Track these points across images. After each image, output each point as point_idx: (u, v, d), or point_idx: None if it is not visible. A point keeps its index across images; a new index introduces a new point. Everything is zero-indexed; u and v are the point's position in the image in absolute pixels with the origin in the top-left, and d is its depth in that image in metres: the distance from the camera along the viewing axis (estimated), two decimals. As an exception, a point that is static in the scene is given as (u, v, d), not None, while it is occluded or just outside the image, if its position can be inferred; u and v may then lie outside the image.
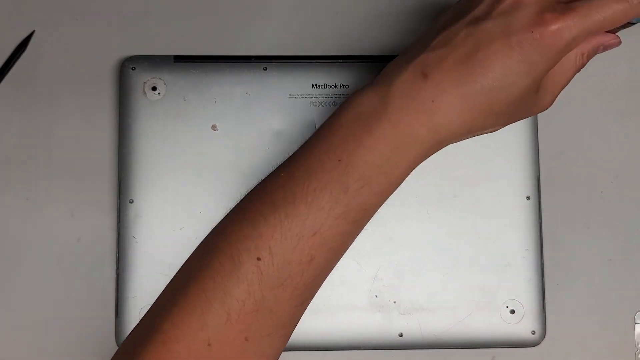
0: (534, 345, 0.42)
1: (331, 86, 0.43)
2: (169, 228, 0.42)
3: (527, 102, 0.32)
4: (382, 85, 0.32)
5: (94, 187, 0.44)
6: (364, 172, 0.31)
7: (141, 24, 0.45)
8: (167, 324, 0.30)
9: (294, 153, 0.33)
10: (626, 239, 0.45)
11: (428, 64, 0.31)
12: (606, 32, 0.33)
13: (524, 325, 0.42)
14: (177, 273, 0.33)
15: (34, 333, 0.43)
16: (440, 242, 0.42)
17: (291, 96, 0.43)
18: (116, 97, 0.44)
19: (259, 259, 0.30)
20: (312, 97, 0.43)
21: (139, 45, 0.45)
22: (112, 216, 0.44)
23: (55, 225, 0.44)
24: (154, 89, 0.43)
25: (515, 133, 0.43)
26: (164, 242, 0.42)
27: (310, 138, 0.33)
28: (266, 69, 0.43)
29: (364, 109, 0.32)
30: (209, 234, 0.34)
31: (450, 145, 0.43)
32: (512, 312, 0.42)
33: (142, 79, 0.43)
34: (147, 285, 0.42)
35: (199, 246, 0.34)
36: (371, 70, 0.44)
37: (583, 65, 0.33)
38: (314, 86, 0.43)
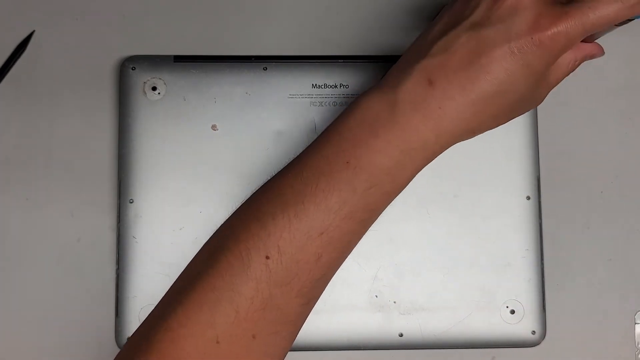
0: (534, 345, 0.42)
1: (331, 86, 0.43)
2: (169, 228, 0.42)
3: (526, 101, 0.34)
4: (388, 91, 0.33)
5: (94, 187, 0.44)
6: (372, 174, 0.32)
7: (141, 24, 0.45)
8: (174, 322, 0.30)
9: (299, 155, 0.34)
10: (626, 239, 0.45)
11: (432, 71, 0.32)
12: (600, 33, 0.34)
13: (524, 325, 0.42)
14: (181, 273, 0.33)
15: (34, 333, 0.43)
16: (440, 242, 0.42)
17: (291, 96, 0.43)
18: (116, 97, 0.44)
19: (267, 257, 0.31)
20: (312, 97, 0.43)
21: (139, 45, 0.45)
22: (112, 216, 0.44)
23: (55, 225, 0.44)
24: (154, 89, 0.43)
25: (515, 133, 0.43)
26: (164, 242, 0.42)
27: (316, 140, 0.34)
28: (266, 69, 0.43)
29: (371, 114, 0.32)
30: (214, 234, 0.34)
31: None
32: (512, 312, 0.42)
33: (142, 79, 0.43)
34: (147, 285, 0.42)
35: (204, 246, 0.34)
36: (371, 70, 0.44)
37: (574, 69, 0.34)
38: (314, 86, 0.43)
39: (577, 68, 0.34)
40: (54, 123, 0.44)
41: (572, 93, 0.46)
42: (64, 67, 0.45)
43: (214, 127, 0.43)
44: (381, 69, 0.44)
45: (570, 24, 0.31)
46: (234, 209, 0.42)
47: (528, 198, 0.43)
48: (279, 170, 0.34)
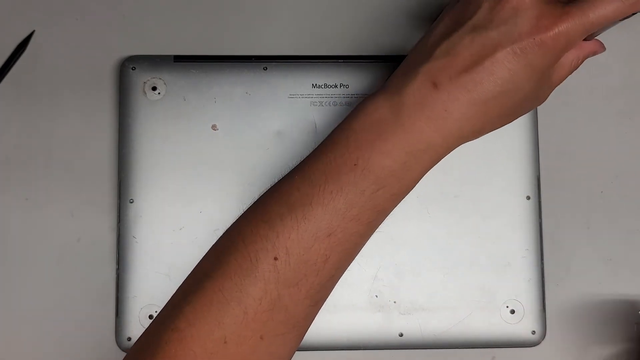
0: (534, 345, 0.42)
1: (331, 86, 0.43)
2: (169, 228, 0.42)
3: (530, 100, 0.34)
4: (393, 94, 0.33)
5: (94, 187, 0.44)
6: (379, 176, 0.32)
7: (141, 24, 0.45)
8: (182, 322, 0.30)
9: (305, 158, 0.34)
10: (626, 239, 0.45)
11: (436, 74, 0.32)
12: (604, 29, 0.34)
13: (524, 325, 0.42)
14: (189, 275, 0.34)
15: (34, 333, 0.43)
16: (440, 242, 0.42)
17: (291, 96, 0.43)
18: (116, 97, 0.44)
19: (275, 258, 0.31)
20: (312, 97, 0.43)
21: (139, 45, 0.45)
22: (112, 216, 0.44)
23: (55, 225, 0.44)
24: (154, 88, 0.43)
25: (515, 133, 0.43)
26: (164, 242, 0.42)
27: (322, 143, 0.34)
28: (266, 69, 0.43)
29: (377, 116, 0.33)
30: (222, 236, 0.34)
31: (450, 145, 0.43)
32: (512, 312, 0.42)
33: (142, 78, 0.43)
34: (147, 285, 0.42)
35: (211, 248, 0.34)
36: (371, 70, 0.44)
37: (577, 68, 0.34)
38: (314, 86, 0.43)
39: (579, 66, 0.34)
40: (54, 123, 0.44)
41: (572, 93, 0.46)
42: (64, 67, 0.45)
43: (214, 127, 0.43)
44: (381, 69, 0.44)
45: (571, 24, 0.31)
46: (234, 209, 0.42)
47: (528, 198, 0.43)
48: (282, 170, 0.34)
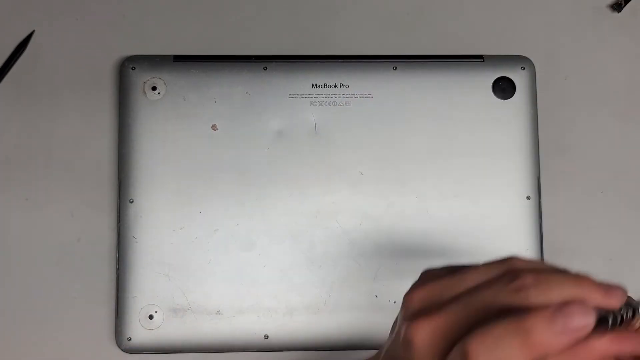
0: (534, 345, 0.42)
1: (331, 86, 0.43)
2: (169, 228, 0.42)
3: None
4: None
5: (94, 187, 0.44)
6: None
7: (141, 24, 0.45)
8: None
9: None
10: (626, 239, 0.45)
11: None
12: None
13: (524, 325, 0.42)
14: None
15: (34, 333, 0.43)
16: (440, 242, 0.42)
17: (291, 96, 0.43)
18: (116, 97, 0.44)
19: None
20: (312, 97, 0.43)
21: (139, 45, 0.45)
22: (112, 216, 0.44)
23: (55, 225, 0.44)
24: (153, 88, 0.43)
25: (515, 133, 0.43)
26: (164, 242, 0.42)
27: None
28: (266, 68, 0.43)
29: None
30: None
31: (450, 145, 0.43)
32: (512, 312, 0.42)
33: (142, 78, 0.43)
34: (147, 285, 0.42)
35: None
36: (371, 70, 0.44)
37: None
38: (314, 86, 0.43)
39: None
40: (54, 123, 0.44)
41: (572, 93, 0.46)
42: (64, 67, 0.45)
43: (214, 127, 0.43)
44: (381, 69, 0.44)
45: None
46: (234, 209, 0.42)
47: (528, 198, 0.43)
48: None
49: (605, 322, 0.26)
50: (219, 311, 0.42)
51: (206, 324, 0.41)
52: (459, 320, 0.28)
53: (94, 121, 0.44)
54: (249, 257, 0.42)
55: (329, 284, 0.42)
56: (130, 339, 0.41)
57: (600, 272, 0.46)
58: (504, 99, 0.44)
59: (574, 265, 0.47)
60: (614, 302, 0.27)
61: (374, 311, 0.42)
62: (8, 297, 0.43)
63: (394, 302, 0.42)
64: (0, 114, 0.44)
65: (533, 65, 0.44)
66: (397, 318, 0.31)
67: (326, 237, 0.42)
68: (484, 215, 0.43)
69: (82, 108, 0.45)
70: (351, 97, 0.43)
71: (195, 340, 0.41)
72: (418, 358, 0.29)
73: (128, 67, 0.43)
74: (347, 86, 0.43)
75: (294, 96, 0.43)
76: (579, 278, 0.27)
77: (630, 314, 0.27)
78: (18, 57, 0.45)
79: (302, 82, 0.43)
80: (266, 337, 0.42)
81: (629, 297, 0.29)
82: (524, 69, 0.44)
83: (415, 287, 0.30)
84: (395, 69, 0.44)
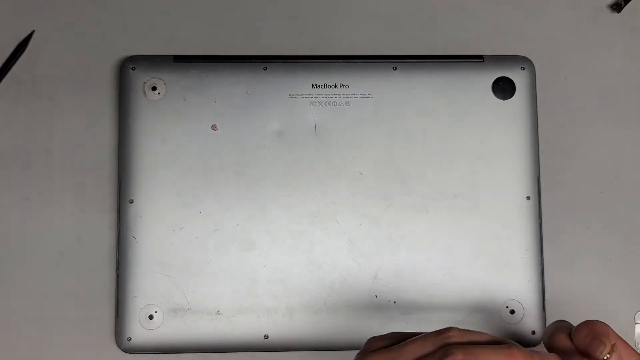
0: (534, 345, 0.42)
1: (331, 86, 0.43)
2: (169, 228, 0.42)
3: None
4: None
5: (94, 187, 0.44)
6: None
7: (141, 24, 0.45)
8: None
9: None
10: (626, 239, 0.45)
11: None
12: None
13: (524, 325, 0.42)
14: None
15: (34, 333, 0.43)
16: (440, 242, 0.42)
17: (291, 96, 0.43)
18: (116, 97, 0.44)
19: None
20: (312, 97, 0.43)
21: (139, 45, 0.45)
22: (112, 216, 0.44)
23: (55, 225, 0.44)
24: (154, 88, 0.43)
25: (515, 133, 0.43)
26: (164, 242, 0.42)
27: None
28: (266, 69, 0.43)
29: None
30: None
31: (450, 146, 0.43)
32: (512, 312, 0.42)
33: (142, 79, 0.43)
34: (147, 285, 0.42)
35: None
36: (371, 70, 0.44)
37: None
38: (314, 86, 0.43)
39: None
40: (54, 123, 0.44)
41: (572, 93, 0.46)
42: (64, 67, 0.45)
43: (214, 127, 0.43)
44: (381, 69, 0.44)
45: None
46: (234, 209, 0.42)
47: (528, 198, 0.43)
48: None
49: None
50: (219, 311, 0.42)
51: (206, 324, 0.41)
52: None
53: (94, 121, 0.44)
54: (249, 257, 0.42)
55: (329, 284, 0.42)
56: (130, 339, 0.41)
57: (600, 272, 0.46)
58: (504, 99, 0.44)
59: (574, 265, 0.47)
60: None
61: (374, 311, 0.42)
62: (8, 297, 0.43)
63: (394, 302, 0.42)
64: (0, 114, 0.44)
65: (533, 65, 0.44)
66: None
67: (326, 237, 0.42)
68: (484, 215, 0.43)
69: (82, 108, 0.45)
70: (351, 97, 0.43)
71: (195, 340, 0.41)
72: None
73: (128, 67, 0.43)
74: (347, 86, 0.43)
75: (294, 96, 0.43)
76: (511, 353, 0.29)
77: None
78: (18, 57, 0.45)
79: (302, 82, 0.43)
80: (266, 337, 0.42)
81: None
82: (524, 69, 0.44)
83: (359, 358, 0.31)
84: (395, 69, 0.44)
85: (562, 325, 0.34)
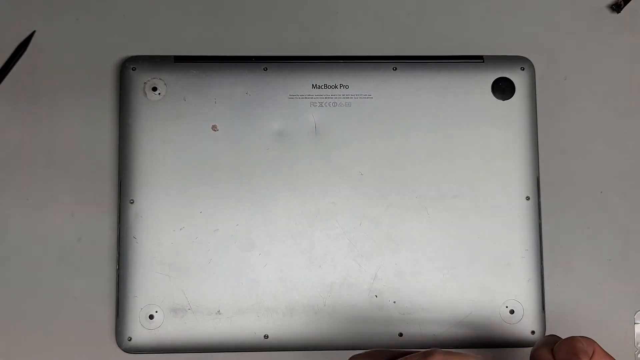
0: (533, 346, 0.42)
1: (331, 86, 0.43)
2: (169, 228, 0.42)
3: None
4: None
5: (94, 187, 0.44)
6: None
7: (141, 24, 0.46)
8: None
9: None
10: (626, 239, 0.45)
11: None
12: None
13: (523, 325, 0.42)
14: None
15: (34, 333, 0.43)
16: (440, 242, 0.43)
17: (291, 96, 0.43)
18: (116, 97, 0.44)
19: None
20: (312, 97, 0.43)
21: (139, 45, 0.45)
22: (112, 216, 0.44)
23: (55, 225, 0.44)
24: (154, 89, 0.43)
25: (515, 133, 0.43)
26: (164, 242, 0.42)
27: None
28: (266, 69, 0.43)
29: None
30: None
31: (450, 146, 0.43)
32: (512, 312, 0.42)
33: (142, 79, 0.43)
34: (147, 285, 0.42)
35: None
36: (371, 70, 0.44)
37: None
38: (314, 86, 0.43)
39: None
40: (54, 123, 0.44)
41: (572, 93, 0.46)
42: (64, 67, 0.45)
43: (214, 127, 0.43)
44: (381, 69, 0.44)
45: None
46: (234, 209, 0.42)
47: (528, 198, 0.43)
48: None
49: None
50: (219, 311, 0.42)
51: (206, 323, 0.42)
52: None
53: (94, 121, 0.44)
54: (249, 257, 0.42)
55: (329, 284, 0.42)
56: (130, 339, 0.42)
57: (600, 272, 0.46)
58: (504, 99, 0.44)
59: (574, 265, 0.47)
60: None
61: (374, 311, 0.42)
62: (8, 297, 0.43)
63: (394, 302, 0.42)
64: (1, 114, 0.44)
65: (533, 65, 0.45)
66: None
67: (326, 237, 0.42)
68: (484, 215, 0.43)
69: (82, 108, 0.45)
70: (351, 97, 0.43)
71: (195, 340, 0.41)
72: None
73: (128, 67, 0.43)
74: (347, 87, 0.43)
75: (294, 97, 0.43)
76: None
77: None
78: (19, 58, 0.45)
79: (302, 82, 0.43)
80: (266, 337, 0.42)
81: None
82: (523, 69, 0.44)
83: None
84: (395, 69, 0.44)
85: (548, 340, 0.34)
